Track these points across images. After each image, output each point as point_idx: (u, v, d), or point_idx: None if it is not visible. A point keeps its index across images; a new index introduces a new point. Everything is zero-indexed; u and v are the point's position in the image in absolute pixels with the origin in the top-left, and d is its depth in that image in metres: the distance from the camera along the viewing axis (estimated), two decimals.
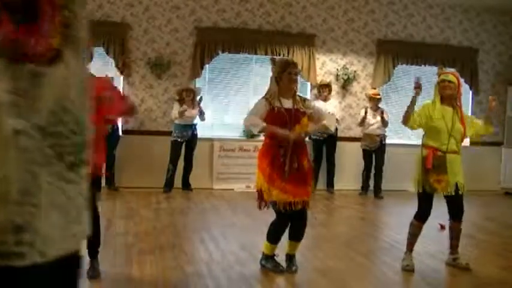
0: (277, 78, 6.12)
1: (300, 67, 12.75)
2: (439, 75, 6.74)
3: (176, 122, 11.84)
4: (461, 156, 6.76)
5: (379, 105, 12.48)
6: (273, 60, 6.35)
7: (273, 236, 6.22)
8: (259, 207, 6.17)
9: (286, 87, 6.07)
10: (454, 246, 6.80)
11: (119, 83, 12.28)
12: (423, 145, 6.66)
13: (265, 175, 6.00)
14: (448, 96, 6.57)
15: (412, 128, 6.78)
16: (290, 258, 6.29)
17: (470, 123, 6.81)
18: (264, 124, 5.98)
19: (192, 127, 12.02)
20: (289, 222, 6.12)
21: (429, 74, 13.52)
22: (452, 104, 6.62)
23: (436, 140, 6.56)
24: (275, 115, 6.01)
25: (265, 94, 6.19)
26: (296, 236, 6.18)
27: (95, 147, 5.47)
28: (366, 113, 12.33)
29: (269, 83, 6.28)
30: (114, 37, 12.11)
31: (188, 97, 11.81)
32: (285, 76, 6.06)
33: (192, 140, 12.04)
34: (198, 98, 11.86)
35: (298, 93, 6.25)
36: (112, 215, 9.31)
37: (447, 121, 6.48)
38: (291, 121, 6.00)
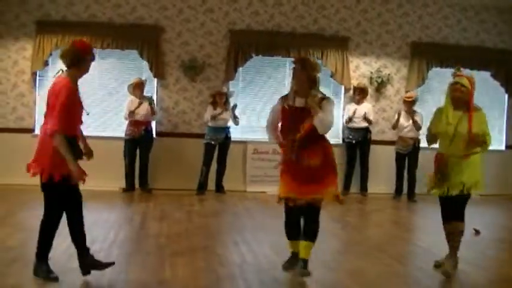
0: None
1: (333, 70, 12.74)
2: (453, 76, 6.63)
3: (210, 124, 11.88)
4: (479, 156, 6.54)
5: (414, 108, 12.39)
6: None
7: (285, 231, 6.22)
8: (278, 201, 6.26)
9: (292, 85, 6.16)
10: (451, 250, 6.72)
11: (153, 85, 12.38)
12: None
13: (280, 172, 6.17)
14: (456, 98, 6.44)
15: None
16: (302, 261, 6.08)
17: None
18: (272, 139, 6.54)
19: (226, 130, 12.06)
20: (295, 219, 6.11)
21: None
22: (462, 107, 6.47)
23: (440, 144, 6.59)
24: (283, 114, 6.14)
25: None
26: (304, 233, 6.05)
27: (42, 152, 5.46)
28: (398, 116, 12.27)
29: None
30: (148, 40, 12.21)
31: (221, 100, 11.84)
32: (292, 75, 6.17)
33: (225, 143, 12.08)
34: (232, 104, 11.90)
35: (314, 91, 6.00)
36: (145, 217, 9.38)
37: (451, 125, 6.39)
38: (296, 121, 5.97)
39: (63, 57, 5.71)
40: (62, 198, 5.67)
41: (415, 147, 12.36)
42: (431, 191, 6.63)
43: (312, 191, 5.89)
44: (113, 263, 5.85)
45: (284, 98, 6.15)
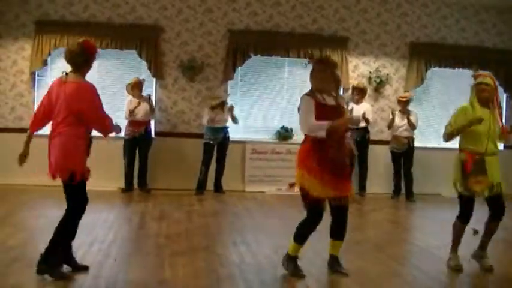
0: (310, 76, 6.18)
1: None
2: (475, 77, 6.72)
3: (208, 125, 11.90)
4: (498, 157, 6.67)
5: (409, 108, 12.46)
6: (310, 58, 6.41)
7: (302, 236, 6.18)
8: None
9: (315, 85, 6.12)
10: (485, 244, 6.77)
11: (152, 85, 12.39)
12: (461, 149, 6.61)
13: (312, 172, 5.94)
14: (485, 99, 6.57)
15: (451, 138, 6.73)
16: (336, 259, 6.29)
17: None
18: (329, 123, 5.85)
19: (224, 130, 12.06)
20: (320, 220, 6.09)
21: (462, 76, 13.45)
22: (489, 105, 6.59)
23: (474, 143, 6.52)
24: (319, 111, 5.97)
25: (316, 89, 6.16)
26: (338, 233, 6.16)
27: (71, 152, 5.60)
28: (393, 115, 12.33)
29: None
30: (147, 40, 12.23)
31: (221, 107, 11.91)
32: (315, 74, 6.12)
33: (223, 143, 12.08)
34: (228, 105, 11.93)
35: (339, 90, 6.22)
36: (144, 217, 9.38)
37: (485, 123, 6.43)
38: (331, 118, 5.94)
39: (73, 58, 5.76)
40: (83, 196, 5.82)
41: (410, 147, 12.41)
42: (484, 193, 6.54)
43: (347, 189, 6.07)
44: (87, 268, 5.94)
45: (312, 96, 6.05)
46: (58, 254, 5.67)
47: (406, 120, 12.28)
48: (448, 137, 6.68)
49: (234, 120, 11.97)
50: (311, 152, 5.98)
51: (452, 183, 6.66)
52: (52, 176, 5.78)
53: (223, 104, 11.96)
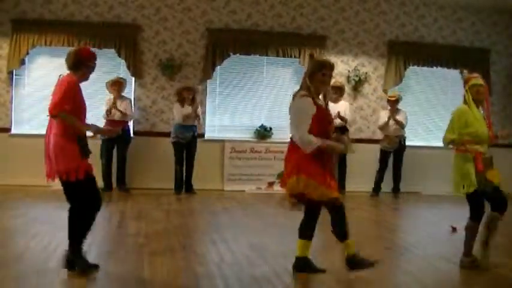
0: (310, 77, 6.00)
1: None
2: (467, 80, 6.75)
3: (179, 122, 11.85)
4: None
5: (398, 107, 12.62)
6: (311, 57, 6.35)
7: (311, 232, 6.20)
8: (294, 209, 6.16)
9: (316, 87, 5.98)
10: (489, 241, 6.79)
11: (131, 84, 12.33)
12: (467, 150, 6.57)
13: (317, 177, 5.83)
14: (482, 100, 6.66)
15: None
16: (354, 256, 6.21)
17: None
18: (319, 143, 5.73)
19: (192, 128, 11.97)
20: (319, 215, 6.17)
21: (440, 75, 13.56)
22: (480, 106, 6.69)
23: (480, 144, 6.55)
24: (321, 115, 5.90)
25: (302, 90, 6.00)
26: (343, 234, 6.10)
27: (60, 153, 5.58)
28: (388, 118, 12.53)
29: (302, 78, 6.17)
30: (125, 39, 12.16)
31: (188, 96, 11.82)
32: (318, 76, 5.98)
33: (192, 142, 12.01)
34: (198, 101, 11.93)
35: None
36: (123, 216, 9.35)
37: (483, 124, 6.55)
38: (330, 122, 6.10)
39: (65, 59, 5.89)
40: (92, 191, 5.91)
41: (401, 145, 12.50)
42: (483, 188, 6.53)
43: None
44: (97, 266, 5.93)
45: (312, 98, 5.91)
46: (80, 252, 5.82)
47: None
48: (452, 144, 6.67)
49: (197, 117, 11.92)
50: (313, 158, 5.81)
51: (458, 184, 6.63)
52: (49, 177, 5.84)
53: (193, 93, 11.92)
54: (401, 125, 12.42)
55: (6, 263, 5.73)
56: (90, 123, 6.06)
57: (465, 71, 7.12)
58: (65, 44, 11.76)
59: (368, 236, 8.56)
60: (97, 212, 5.95)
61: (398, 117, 12.44)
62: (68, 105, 5.55)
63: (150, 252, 6.88)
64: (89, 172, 5.82)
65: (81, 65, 5.82)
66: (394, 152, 12.57)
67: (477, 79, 6.69)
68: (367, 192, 12.69)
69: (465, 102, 6.67)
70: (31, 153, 11.48)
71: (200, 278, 5.92)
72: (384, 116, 12.61)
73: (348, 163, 12.64)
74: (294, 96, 6.04)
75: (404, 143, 12.66)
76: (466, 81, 6.76)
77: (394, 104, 12.55)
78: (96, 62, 6.03)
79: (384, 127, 12.51)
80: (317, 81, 5.93)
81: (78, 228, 5.84)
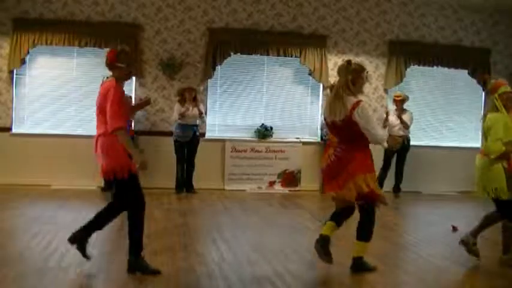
0: (353, 81, 6.25)
1: (312, 68, 12.79)
2: (495, 87, 6.72)
3: (178, 121, 11.83)
4: None
5: (404, 107, 12.62)
6: (348, 62, 6.50)
7: (371, 233, 6.45)
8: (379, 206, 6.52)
9: (357, 90, 6.25)
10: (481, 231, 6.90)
11: (131, 84, 12.32)
12: (499, 157, 6.55)
13: (373, 171, 6.50)
14: (510, 107, 6.62)
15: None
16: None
17: None
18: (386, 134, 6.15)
19: (193, 128, 11.95)
20: None
21: (441, 74, 13.54)
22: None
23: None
24: None
25: (356, 93, 6.27)
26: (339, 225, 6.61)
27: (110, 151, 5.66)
28: (387, 115, 12.53)
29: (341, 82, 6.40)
30: (126, 38, 12.12)
31: (190, 96, 11.82)
32: (361, 79, 6.27)
33: (193, 141, 12.00)
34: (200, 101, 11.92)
35: None
36: (124, 216, 9.30)
37: None
38: None
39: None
40: (137, 190, 6.16)
41: (405, 145, 12.48)
42: None
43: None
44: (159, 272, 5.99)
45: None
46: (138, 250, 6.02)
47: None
48: (501, 157, 6.57)
49: (201, 115, 11.89)
50: (368, 155, 6.56)
51: (484, 187, 6.71)
52: (103, 175, 6.14)
53: (195, 94, 11.92)
54: (405, 125, 12.40)
55: (6, 263, 5.72)
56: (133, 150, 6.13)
57: (489, 77, 7.05)
58: (65, 44, 11.79)
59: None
60: (143, 212, 6.17)
61: (404, 117, 12.42)
62: (125, 124, 5.79)
63: (151, 251, 6.86)
64: (133, 171, 5.99)
65: (112, 68, 5.95)
66: (397, 152, 12.55)
67: (506, 86, 6.68)
68: None
69: (494, 109, 6.63)
70: (32, 153, 11.53)
71: (201, 278, 5.92)
72: (391, 115, 12.59)
73: None
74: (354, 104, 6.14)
75: (408, 143, 12.61)
76: (494, 88, 6.71)
77: (400, 103, 12.55)
78: (125, 61, 6.01)
79: (384, 125, 12.46)
80: (359, 84, 6.33)
81: (136, 231, 6.09)
